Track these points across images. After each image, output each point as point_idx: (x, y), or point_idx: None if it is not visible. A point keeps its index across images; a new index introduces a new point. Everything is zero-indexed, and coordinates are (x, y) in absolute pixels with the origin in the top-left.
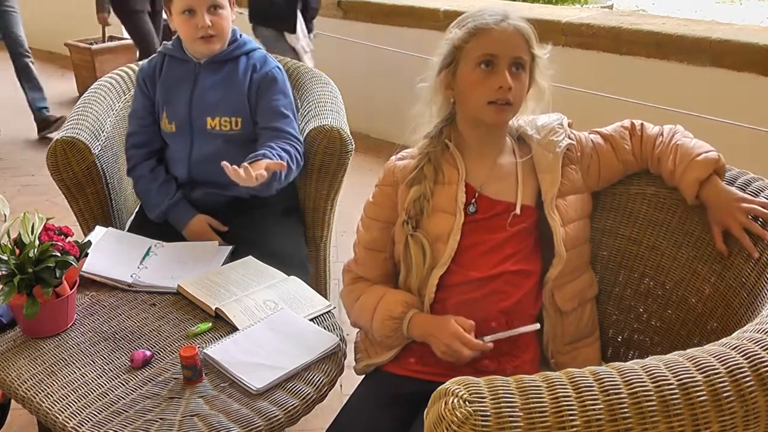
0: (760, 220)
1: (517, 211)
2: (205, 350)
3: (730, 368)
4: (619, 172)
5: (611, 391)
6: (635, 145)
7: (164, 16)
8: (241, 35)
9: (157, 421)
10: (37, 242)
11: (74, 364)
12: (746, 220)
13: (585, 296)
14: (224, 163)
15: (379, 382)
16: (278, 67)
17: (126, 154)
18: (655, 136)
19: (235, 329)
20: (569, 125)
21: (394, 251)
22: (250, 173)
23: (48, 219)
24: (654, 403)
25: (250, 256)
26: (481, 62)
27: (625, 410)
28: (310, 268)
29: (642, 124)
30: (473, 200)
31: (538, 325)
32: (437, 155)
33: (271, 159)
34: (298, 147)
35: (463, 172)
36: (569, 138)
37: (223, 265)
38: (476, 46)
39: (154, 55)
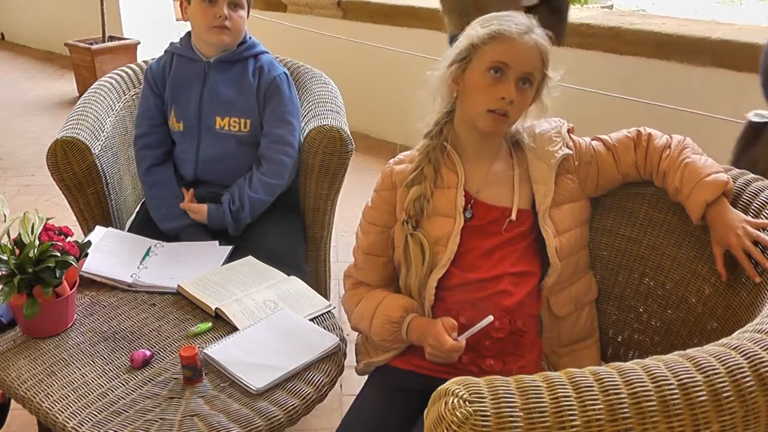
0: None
1: (513, 217)
2: (205, 350)
3: (730, 368)
4: (618, 182)
5: (611, 391)
6: (639, 156)
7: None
8: (250, 37)
9: (157, 421)
10: (37, 242)
11: (74, 364)
12: (748, 243)
13: (581, 301)
14: (186, 203)
15: (386, 377)
16: (285, 73)
17: (138, 156)
18: (662, 149)
19: (235, 329)
20: (570, 130)
21: (394, 254)
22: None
23: (48, 219)
24: (654, 403)
25: (250, 256)
26: (492, 68)
27: (625, 410)
28: (306, 269)
29: (649, 135)
30: (470, 206)
31: (491, 317)
32: (437, 156)
33: (218, 208)
34: (286, 162)
35: (462, 176)
36: (567, 147)
37: (223, 265)
38: (492, 50)
39: (161, 54)
